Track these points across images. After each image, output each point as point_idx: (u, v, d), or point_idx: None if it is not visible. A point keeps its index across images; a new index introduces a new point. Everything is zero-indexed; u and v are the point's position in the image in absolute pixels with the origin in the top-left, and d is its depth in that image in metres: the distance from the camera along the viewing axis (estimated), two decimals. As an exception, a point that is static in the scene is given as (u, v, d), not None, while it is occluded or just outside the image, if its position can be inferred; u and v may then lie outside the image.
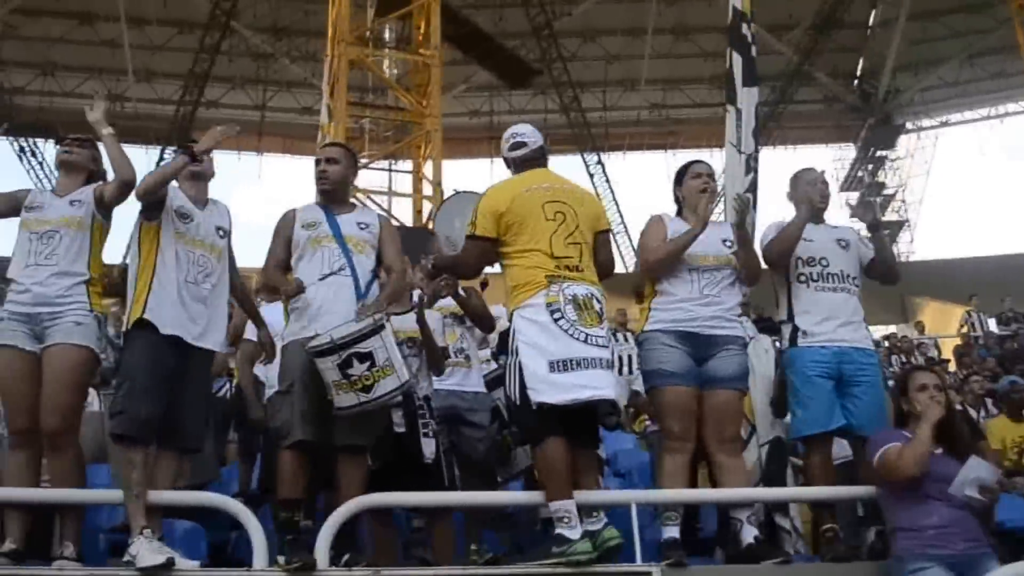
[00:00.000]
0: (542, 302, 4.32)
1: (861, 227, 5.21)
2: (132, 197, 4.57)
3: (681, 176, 5.05)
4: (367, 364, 4.25)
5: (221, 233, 4.72)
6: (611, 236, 4.84)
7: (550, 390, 4.21)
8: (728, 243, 4.86)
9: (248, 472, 7.25)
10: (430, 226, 17.30)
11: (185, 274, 4.48)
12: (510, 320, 4.44)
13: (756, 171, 5.61)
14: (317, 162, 4.90)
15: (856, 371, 4.83)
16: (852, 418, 4.79)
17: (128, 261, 4.63)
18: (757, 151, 5.67)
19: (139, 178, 4.56)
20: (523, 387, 4.27)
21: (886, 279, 5.19)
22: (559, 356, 4.24)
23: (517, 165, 4.79)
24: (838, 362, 4.81)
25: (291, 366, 4.52)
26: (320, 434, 4.41)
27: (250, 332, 6.00)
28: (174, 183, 4.65)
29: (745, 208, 4.90)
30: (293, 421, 4.41)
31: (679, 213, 5.03)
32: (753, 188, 5.59)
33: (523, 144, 4.79)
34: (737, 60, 5.82)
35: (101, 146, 4.74)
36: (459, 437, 5.49)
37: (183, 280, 4.47)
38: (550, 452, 4.24)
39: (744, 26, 5.88)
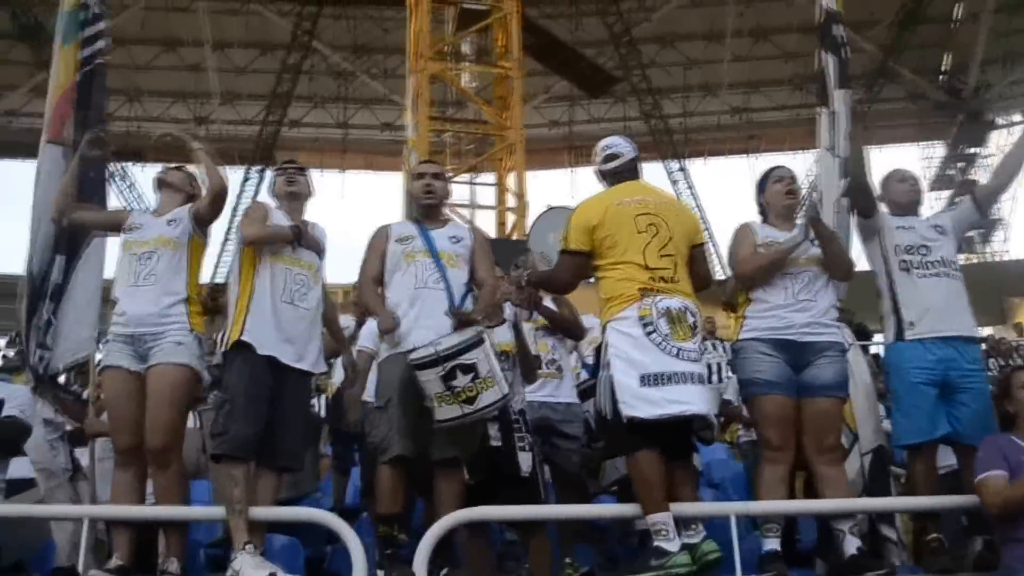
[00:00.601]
0: (634, 315, 4.28)
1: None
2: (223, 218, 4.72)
3: (763, 183, 5.01)
4: (471, 376, 4.27)
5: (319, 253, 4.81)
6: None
7: (641, 404, 4.16)
8: (815, 242, 4.78)
9: (343, 485, 7.34)
10: (516, 237, 17.39)
11: (281, 294, 4.56)
12: (603, 333, 4.41)
13: (851, 174, 5.51)
14: (420, 176, 4.97)
15: (962, 377, 4.70)
16: (959, 425, 4.66)
17: (228, 282, 4.73)
18: (850, 153, 5.56)
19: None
20: (614, 401, 4.23)
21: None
22: (650, 370, 4.20)
23: (611, 177, 4.76)
24: (944, 368, 4.69)
25: (388, 381, 4.56)
26: (418, 448, 4.43)
27: (364, 341, 6.09)
28: (272, 202, 4.77)
29: (814, 212, 4.84)
30: (391, 436, 4.44)
31: (764, 220, 4.98)
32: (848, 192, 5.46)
33: (617, 156, 4.77)
34: (831, 61, 5.69)
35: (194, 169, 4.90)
36: (552, 449, 5.49)
37: (280, 300, 4.54)
38: (643, 465, 4.20)
39: (836, 26, 5.76)
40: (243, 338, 4.44)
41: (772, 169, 5.07)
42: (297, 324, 4.59)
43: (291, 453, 4.60)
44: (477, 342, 4.32)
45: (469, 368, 4.27)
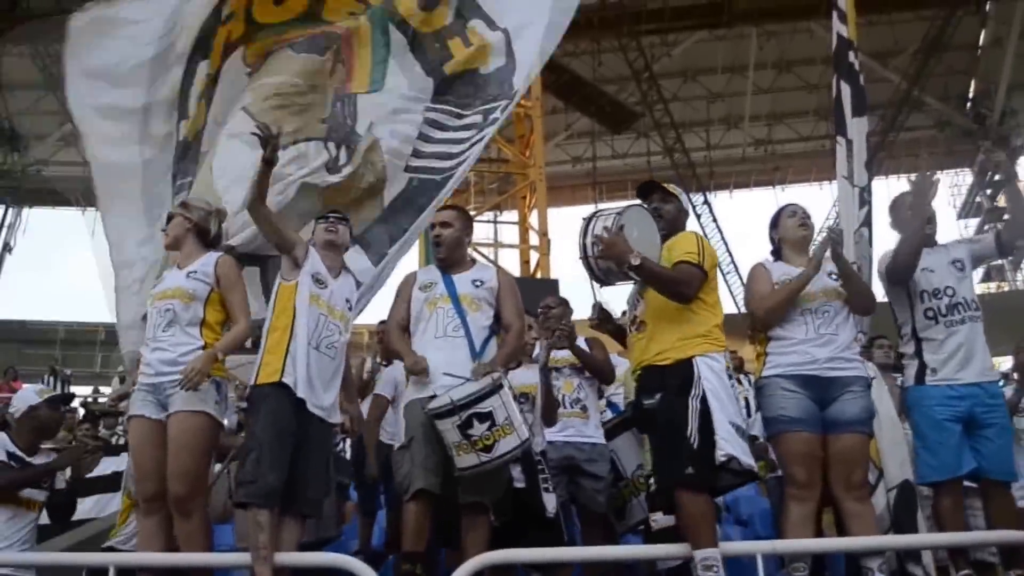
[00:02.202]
0: (723, 363, 4.34)
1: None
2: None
3: (777, 219, 5.04)
4: (487, 424, 4.26)
5: (348, 306, 4.84)
6: None
7: (739, 449, 4.18)
8: (834, 276, 4.79)
9: (368, 529, 7.29)
10: (540, 275, 17.35)
11: (313, 339, 4.56)
12: (691, 363, 4.30)
13: (870, 204, 5.48)
14: (432, 226, 4.98)
15: (986, 412, 4.70)
16: (983, 460, 4.66)
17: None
18: (870, 183, 5.54)
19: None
20: (709, 433, 4.17)
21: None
22: (735, 420, 4.24)
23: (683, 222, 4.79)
24: (969, 405, 4.68)
25: (411, 423, 4.55)
26: (441, 486, 4.42)
27: (381, 387, 6.31)
28: (313, 251, 4.79)
29: (838, 239, 4.81)
30: (414, 472, 4.42)
31: (778, 257, 4.99)
32: (868, 222, 5.43)
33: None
34: (845, 89, 5.68)
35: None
36: (577, 488, 5.45)
37: (310, 345, 4.54)
38: (705, 501, 4.19)
39: (851, 54, 5.76)
40: (284, 379, 4.42)
41: (785, 206, 5.11)
42: (323, 372, 4.60)
43: (313, 501, 4.58)
44: (493, 390, 4.31)
45: (486, 416, 4.26)
